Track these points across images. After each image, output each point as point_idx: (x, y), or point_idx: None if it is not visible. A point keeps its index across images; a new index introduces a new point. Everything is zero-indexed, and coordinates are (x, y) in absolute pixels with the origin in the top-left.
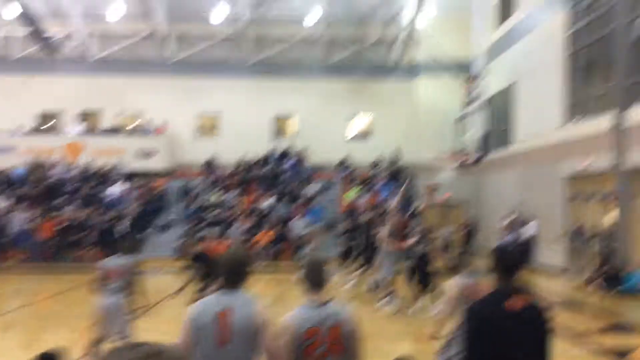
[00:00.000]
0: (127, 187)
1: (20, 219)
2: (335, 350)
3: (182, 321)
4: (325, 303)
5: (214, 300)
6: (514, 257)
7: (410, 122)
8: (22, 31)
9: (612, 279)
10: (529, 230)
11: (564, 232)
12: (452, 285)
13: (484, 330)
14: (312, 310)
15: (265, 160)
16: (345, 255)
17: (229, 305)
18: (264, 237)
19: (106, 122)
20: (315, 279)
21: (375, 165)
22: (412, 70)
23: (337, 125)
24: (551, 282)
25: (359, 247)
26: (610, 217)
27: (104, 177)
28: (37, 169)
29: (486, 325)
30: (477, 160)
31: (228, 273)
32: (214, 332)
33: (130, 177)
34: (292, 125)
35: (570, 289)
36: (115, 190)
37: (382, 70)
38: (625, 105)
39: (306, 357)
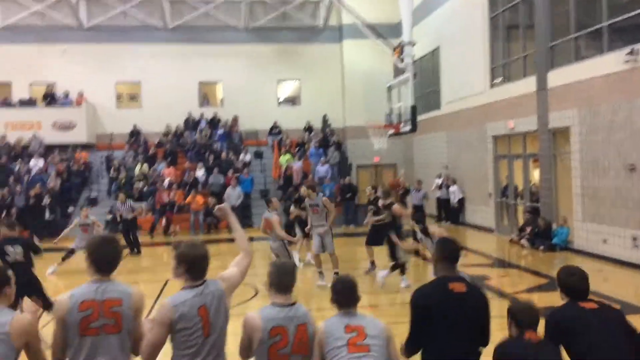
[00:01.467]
0: (46, 162)
1: None
2: (300, 351)
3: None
4: (292, 304)
5: (190, 295)
6: (455, 247)
7: (338, 86)
8: None
9: (539, 235)
10: (455, 193)
11: (490, 194)
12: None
13: (432, 311)
14: (278, 310)
15: (192, 129)
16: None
17: (204, 301)
18: (195, 199)
19: (18, 93)
20: (283, 283)
21: (305, 130)
22: (339, 34)
23: (265, 91)
24: (481, 241)
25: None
26: (536, 175)
27: (21, 152)
28: None
29: (434, 307)
30: (410, 130)
31: (193, 268)
32: (201, 325)
33: (49, 150)
34: (218, 92)
35: (499, 247)
36: (34, 165)
37: (308, 33)
38: (547, 68)
39: (271, 356)
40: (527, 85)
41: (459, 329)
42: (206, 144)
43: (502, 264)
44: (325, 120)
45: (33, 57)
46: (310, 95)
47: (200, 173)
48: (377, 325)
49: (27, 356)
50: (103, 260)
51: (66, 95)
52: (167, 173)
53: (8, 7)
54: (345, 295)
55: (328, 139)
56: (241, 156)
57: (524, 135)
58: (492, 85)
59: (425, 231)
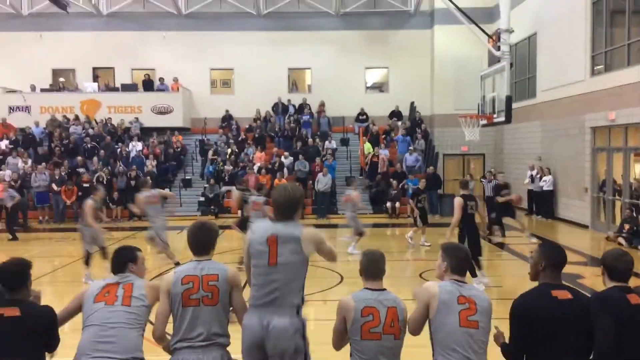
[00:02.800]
0: (144, 144)
1: (40, 179)
2: (391, 331)
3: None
4: (382, 289)
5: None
6: (562, 255)
7: (427, 73)
8: None
9: (638, 234)
10: (546, 185)
11: (586, 188)
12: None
13: (532, 318)
14: (370, 293)
15: (282, 115)
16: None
17: (277, 232)
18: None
19: (119, 78)
20: (374, 270)
21: (392, 117)
22: (430, 19)
23: (352, 78)
24: (575, 236)
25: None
26: (637, 170)
27: (122, 135)
28: (56, 128)
29: (534, 313)
30: (504, 122)
31: (281, 209)
32: (268, 253)
33: (145, 133)
34: (307, 78)
35: (594, 244)
36: (134, 147)
37: (398, 18)
38: None
39: (363, 334)
40: (630, 74)
41: (563, 337)
42: (293, 129)
43: (597, 262)
44: (413, 108)
45: (135, 43)
46: (398, 81)
47: (286, 159)
48: (485, 300)
49: None
50: (198, 243)
51: (161, 81)
52: (257, 157)
53: None
54: (460, 261)
55: (415, 127)
56: (326, 143)
57: (626, 127)
58: (593, 74)
59: None
